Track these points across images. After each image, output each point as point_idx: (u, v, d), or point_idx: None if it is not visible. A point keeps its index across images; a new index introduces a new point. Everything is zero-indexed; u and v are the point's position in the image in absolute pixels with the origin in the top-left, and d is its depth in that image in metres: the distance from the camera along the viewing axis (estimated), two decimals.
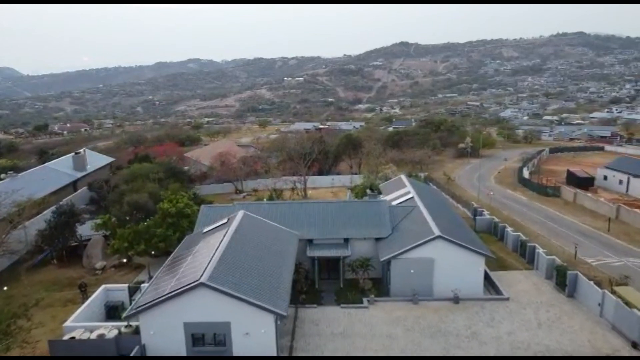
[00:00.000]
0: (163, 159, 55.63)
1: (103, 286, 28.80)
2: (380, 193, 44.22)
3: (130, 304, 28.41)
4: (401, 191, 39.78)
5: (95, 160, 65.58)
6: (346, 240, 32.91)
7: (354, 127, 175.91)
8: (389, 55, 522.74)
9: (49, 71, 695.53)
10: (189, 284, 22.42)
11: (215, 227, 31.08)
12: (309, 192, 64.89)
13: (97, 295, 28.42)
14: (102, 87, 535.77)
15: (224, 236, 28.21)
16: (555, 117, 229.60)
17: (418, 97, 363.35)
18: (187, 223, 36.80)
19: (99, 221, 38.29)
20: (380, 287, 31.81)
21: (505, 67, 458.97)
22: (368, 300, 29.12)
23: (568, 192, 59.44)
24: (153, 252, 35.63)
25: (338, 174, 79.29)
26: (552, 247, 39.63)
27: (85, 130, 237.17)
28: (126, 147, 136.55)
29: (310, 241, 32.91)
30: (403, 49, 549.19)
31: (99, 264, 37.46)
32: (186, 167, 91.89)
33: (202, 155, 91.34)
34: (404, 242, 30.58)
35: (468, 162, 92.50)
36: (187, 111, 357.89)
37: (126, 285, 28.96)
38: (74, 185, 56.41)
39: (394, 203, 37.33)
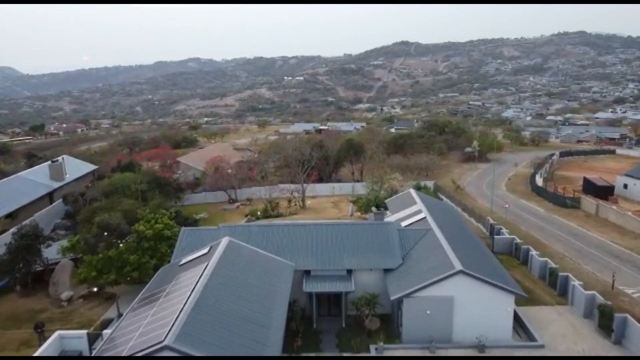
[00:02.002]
0: (147, 169, 50.68)
1: (57, 333, 24.03)
2: (386, 209, 39.46)
3: (90, 353, 23.69)
4: (411, 209, 34.96)
5: (76, 168, 60.42)
6: (349, 271, 28.12)
7: (355, 127, 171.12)
8: (389, 55, 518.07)
9: (49, 70, 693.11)
10: (151, 346, 17.65)
11: (195, 259, 26.31)
12: (308, 201, 60.12)
13: (51, 343, 23.64)
14: (101, 86, 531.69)
15: (203, 271, 23.46)
16: (559, 117, 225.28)
17: (419, 97, 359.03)
18: (166, 247, 32.03)
19: (66, 244, 33.48)
20: (390, 328, 27.08)
21: (507, 67, 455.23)
22: (376, 349, 24.34)
23: (589, 203, 54.63)
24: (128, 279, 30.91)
25: (339, 181, 74.55)
26: (583, 273, 34.84)
27: (82, 130, 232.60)
28: (120, 149, 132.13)
29: (307, 272, 28.13)
30: (403, 48, 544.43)
31: (65, 294, 32.66)
32: (179, 172, 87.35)
33: (196, 160, 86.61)
34: (418, 277, 25.80)
35: (475, 166, 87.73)
36: (187, 111, 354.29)
37: (84, 332, 24.17)
38: (50, 197, 51.56)
39: (404, 224, 32.53)
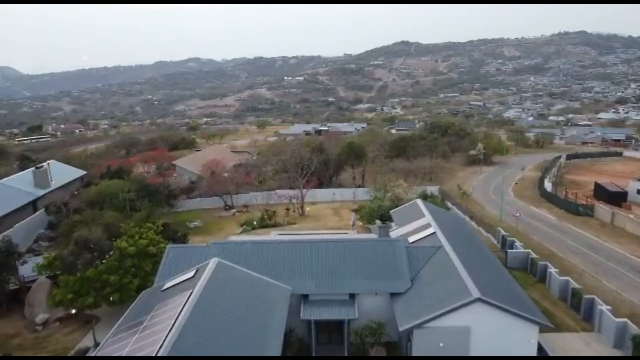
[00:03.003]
0: (138, 175, 47.80)
1: None
2: (391, 221, 36.65)
3: None
4: (419, 222, 32.12)
5: (63, 174, 57.34)
6: (352, 295, 25.30)
7: (355, 128, 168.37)
8: (389, 55, 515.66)
9: (49, 70, 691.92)
10: None
11: (179, 284, 23.49)
12: (307, 208, 57.29)
13: None
14: (101, 86, 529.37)
15: (187, 300, 20.65)
16: (561, 118, 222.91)
17: (419, 97, 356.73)
18: (151, 265, 29.16)
19: (42, 261, 30.64)
20: (398, 356, 24.27)
21: (507, 67, 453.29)
22: None
23: (603, 211, 51.77)
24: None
25: (340, 185, 71.77)
26: (606, 292, 32.01)
27: (80, 131, 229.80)
28: (117, 151, 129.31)
29: (305, 297, 25.30)
30: (404, 48, 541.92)
31: (41, 317, 29.84)
32: (175, 175, 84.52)
33: (193, 163, 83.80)
34: (429, 304, 22.98)
35: (480, 170, 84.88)
36: (186, 111, 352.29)
37: None
38: (33, 205, 48.63)
39: (411, 239, 29.71)
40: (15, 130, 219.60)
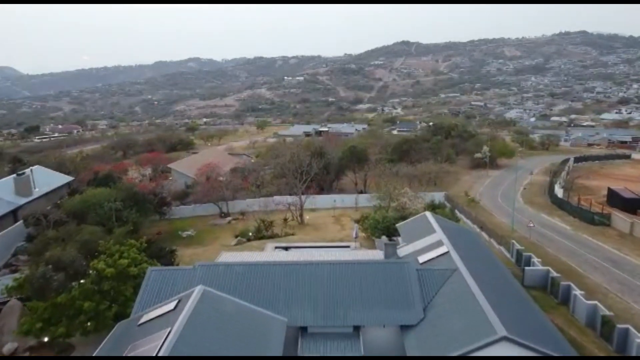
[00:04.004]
0: (128, 181, 44.71)
1: None
2: (397, 235, 33.63)
3: None
4: (429, 239, 29.07)
5: (48, 181, 54.07)
6: (357, 327, 22.28)
7: (356, 129, 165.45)
8: (390, 55, 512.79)
9: (49, 70, 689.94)
10: None
11: (158, 317, 20.46)
12: (307, 216, 54.31)
13: None
14: (100, 86, 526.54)
15: (164, 341, 17.63)
16: (563, 118, 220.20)
17: (420, 97, 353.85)
18: (131, 289, 26.12)
19: (11, 282, 27.61)
20: None
21: (508, 67, 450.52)
22: None
23: (621, 220, 48.73)
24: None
25: (341, 190, 68.91)
26: (635, 315, 28.95)
27: (78, 132, 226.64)
28: (113, 152, 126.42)
29: (303, 329, 22.28)
30: (404, 48, 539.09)
31: (8, 347, 26.78)
32: (170, 179, 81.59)
33: (188, 166, 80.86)
34: (445, 341, 19.96)
35: (487, 174, 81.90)
36: (186, 111, 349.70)
37: None
38: (14, 215, 45.53)
39: (422, 259, 26.68)
40: (13, 131, 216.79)
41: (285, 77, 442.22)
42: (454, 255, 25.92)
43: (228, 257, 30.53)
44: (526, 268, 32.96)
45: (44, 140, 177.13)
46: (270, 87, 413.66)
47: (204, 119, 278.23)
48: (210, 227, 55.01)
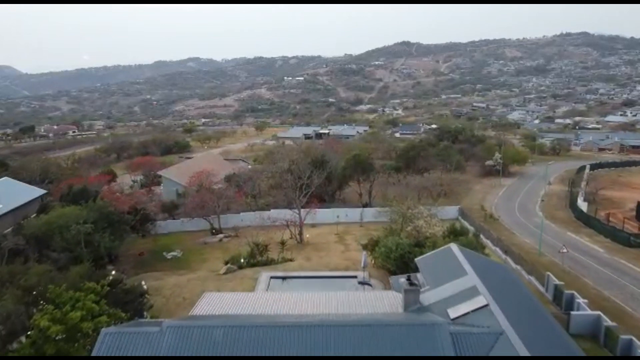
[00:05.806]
0: (99, 203, 38.93)
1: None
2: (415, 269, 28.09)
3: None
4: (459, 283, 23.41)
5: (16, 196, 47.68)
6: None
7: (357, 132, 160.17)
8: (390, 55, 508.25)
9: (48, 70, 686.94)
10: None
11: None
12: (307, 234, 48.75)
13: None
14: (100, 86, 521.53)
15: None
16: (567, 120, 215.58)
17: (421, 98, 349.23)
18: (85, 352, 20.47)
19: None
20: None
21: (509, 68, 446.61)
22: None
23: None
24: None
25: (344, 201, 63.40)
26: None
27: (73, 132, 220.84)
28: (105, 155, 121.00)
29: None
30: (405, 49, 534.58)
31: None
32: (159, 187, 75.95)
33: (180, 173, 75.26)
34: None
35: (500, 183, 76.40)
36: (185, 111, 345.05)
37: None
38: None
39: (454, 314, 21.07)
40: (9, 131, 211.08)
41: (285, 78, 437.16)
42: (496, 310, 20.37)
43: (211, 301, 25.01)
44: (572, 313, 27.37)
45: (36, 141, 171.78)
46: (270, 87, 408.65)
47: (203, 120, 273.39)
48: (200, 246, 49.48)
